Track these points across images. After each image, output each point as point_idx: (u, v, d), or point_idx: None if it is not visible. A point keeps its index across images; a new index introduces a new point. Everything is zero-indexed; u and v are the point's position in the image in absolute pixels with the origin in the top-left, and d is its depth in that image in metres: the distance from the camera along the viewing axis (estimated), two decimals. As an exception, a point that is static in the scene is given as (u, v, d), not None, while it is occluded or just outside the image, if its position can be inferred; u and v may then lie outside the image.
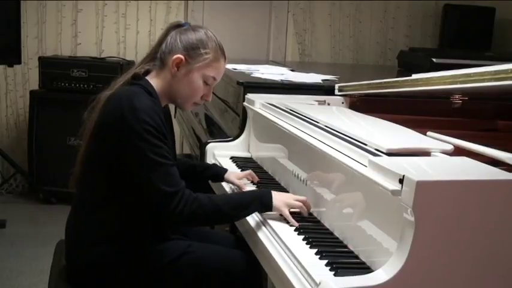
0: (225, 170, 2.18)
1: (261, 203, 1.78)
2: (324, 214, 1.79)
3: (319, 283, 1.27)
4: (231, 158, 2.54)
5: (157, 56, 1.88)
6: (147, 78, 1.86)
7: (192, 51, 1.84)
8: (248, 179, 2.17)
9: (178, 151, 4.76)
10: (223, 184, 2.19)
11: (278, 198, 1.79)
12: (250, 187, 2.12)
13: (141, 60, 1.94)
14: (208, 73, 1.86)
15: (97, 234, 1.78)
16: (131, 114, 1.69)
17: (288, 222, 1.75)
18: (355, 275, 1.30)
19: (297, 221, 1.74)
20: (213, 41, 1.87)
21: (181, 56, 1.83)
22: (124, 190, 1.75)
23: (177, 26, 1.90)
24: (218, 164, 2.42)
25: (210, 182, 2.27)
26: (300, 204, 1.80)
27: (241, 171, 2.33)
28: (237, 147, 2.61)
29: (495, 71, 1.61)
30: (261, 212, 1.81)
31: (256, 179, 2.17)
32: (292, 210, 1.79)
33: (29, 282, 3.20)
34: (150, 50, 1.93)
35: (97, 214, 1.79)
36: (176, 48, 1.84)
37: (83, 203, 1.83)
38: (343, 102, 2.54)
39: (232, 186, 2.15)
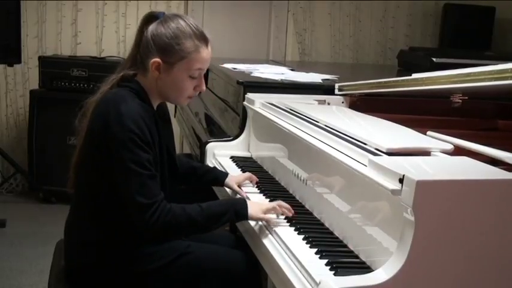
0: (225, 175, 2.14)
1: (236, 212, 1.75)
2: (324, 214, 1.79)
3: (319, 282, 1.28)
4: (231, 157, 2.54)
5: (137, 59, 1.81)
6: (136, 79, 1.82)
7: (167, 51, 1.75)
8: (251, 180, 2.16)
9: (178, 150, 4.75)
10: (226, 188, 2.16)
11: (253, 206, 1.77)
12: (250, 189, 2.11)
13: (124, 62, 1.87)
14: (191, 67, 1.77)
15: (95, 235, 1.78)
16: (116, 121, 1.67)
17: (288, 223, 1.75)
18: (355, 274, 1.31)
19: (297, 220, 1.74)
20: (187, 31, 1.75)
21: (158, 59, 1.75)
22: (117, 194, 1.72)
23: (149, 19, 1.79)
24: (219, 165, 2.42)
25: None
26: (274, 205, 1.78)
27: (241, 171, 2.33)
28: (237, 147, 2.61)
29: (495, 70, 1.61)
30: (236, 221, 1.81)
31: (255, 180, 2.16)
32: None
33: (29, 282, 3.20)
34: (130, 52, 1.86)
35: (94, 216, 1.78)
36: (151, 52, 1.75)
37: (80, 204, 1.83)
38: (343, 102, 2.54)
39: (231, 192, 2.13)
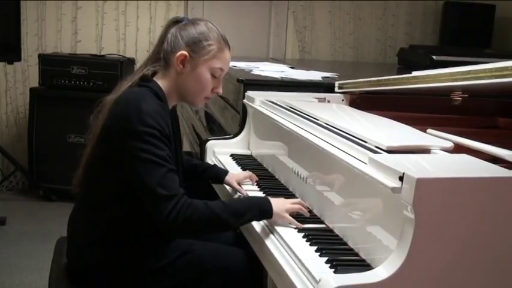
0: (225, 173, 2.13)
1: (260, 210, 1.72)
2: (324, 212, 1.79)
3: (319, 280, 1.28)
4: (231, 155, 2.54)
5: (160, 56, 1.85)
6: (155, 79, 1.84)
7: (195, 45, 1.80)
8: (251, 179, 2.15)
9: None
10: (226, 185, 2.15)
11: (277, 204, 1.75)
12: (249, 187, 2.10)
13: (145, 61, 1.90)
14: (214, 65, 1.83)
15: (99, 234, 1.78)
16: (137, 118, 1.67)
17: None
18: (355, 272, 1.31)
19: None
20: (215, 31, 1.84)
21: (185, 52, 1.80)
22: (127, 192, 1.72)
23: (176, 21, 1.87)
24: (219, 163, 2.42)
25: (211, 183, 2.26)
26: (299, 206, 1.77)
27: (241, 169, 2.33)
28: (237, 145, 2.61)
29: (495, 68, 1.61)
30: (260, 219, 1.77)
31: (255, 179, 2.15)
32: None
33: (29, 279, 3.21)
34: (153, 50, 1.90)
35: (100, 214, 1.78)
36: (178, 45, 1.81)
37: (86, 203, 1.83)
38: (343, 100, 2.54)
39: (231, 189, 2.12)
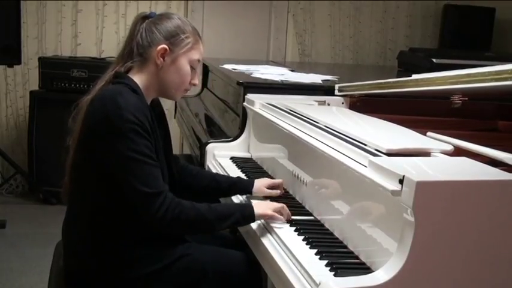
0: (252, 184, 2.05)
1: (243, 215, 1.75)
2: (324, 214, 1.79)
3: (319, 283, 1.28)
4: (231, 158, 2.54)
5: (133, 52, 1.83)
6: (129, 75, 1.82)
7: (173, 38, 1.81)
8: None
9: (178, 151, 4.75)
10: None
11: (259, 206, 1.77)
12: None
13: (117, 59, 1.88)
14: (193, 56, 1.85)
15: (93, 238, 1.76)
16: (115, 114, 1.66)
17: (288, 223, 1.75)
18: (355, 275, 1.31)
19: (297, 221, 1.74)
20: (188, 24, 1.86)
21: (165, 46, 1.80)
22: (115, 193, 1.71)
23: (144, 17, 1.86)
24: (219, 166, 2.41)
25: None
26: (282, 206, 1.78)
27: (241, 171, 2.33)
28: (237, 148, 2.61)
29: (495, 71, 1.62)
30: (244, 224, 1.79)
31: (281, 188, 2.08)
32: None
33: (29, 283, 3.20)
34: (123, 47, 1.87)
35: (92, 219, 1.77)
36: (157, 39, 1.80)
37: (77, 207, 1.82)
38: (343, 103, 2.54)
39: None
